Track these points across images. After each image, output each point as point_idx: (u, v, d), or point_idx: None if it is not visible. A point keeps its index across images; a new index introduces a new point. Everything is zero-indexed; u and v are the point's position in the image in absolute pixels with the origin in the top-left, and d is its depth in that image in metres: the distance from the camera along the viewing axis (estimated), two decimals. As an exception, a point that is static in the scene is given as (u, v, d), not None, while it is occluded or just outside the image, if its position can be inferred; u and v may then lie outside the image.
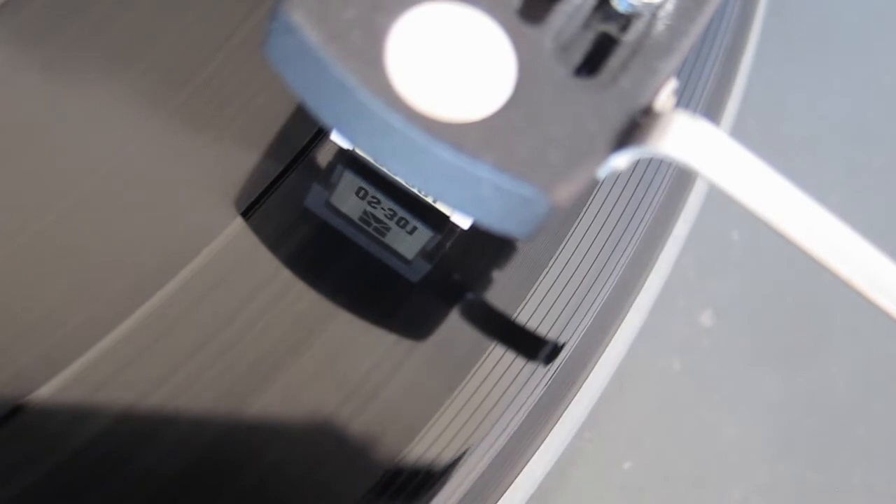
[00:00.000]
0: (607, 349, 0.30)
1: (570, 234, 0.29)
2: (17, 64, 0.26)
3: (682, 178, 0.32)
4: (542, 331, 0.28)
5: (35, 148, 0.26)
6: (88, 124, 0.26)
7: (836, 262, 0.18)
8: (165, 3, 0.28)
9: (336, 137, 0.26)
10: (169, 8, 0.28)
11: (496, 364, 0.27)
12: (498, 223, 0.19)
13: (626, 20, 0.21)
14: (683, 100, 0.33)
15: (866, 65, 0.47)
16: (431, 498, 0.26)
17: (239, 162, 0.27)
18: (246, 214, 0.27)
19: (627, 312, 0.31)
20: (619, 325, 0.31)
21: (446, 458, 0.26)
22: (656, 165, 0.31)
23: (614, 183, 0.30)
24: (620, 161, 0.19)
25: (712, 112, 0.35)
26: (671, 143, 0.19)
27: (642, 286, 0.31)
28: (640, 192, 0.31)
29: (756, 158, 0.19)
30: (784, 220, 0.18)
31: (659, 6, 0.20)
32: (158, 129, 0.27)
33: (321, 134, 0.27)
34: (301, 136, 0.28)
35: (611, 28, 0.21)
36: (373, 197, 0.27)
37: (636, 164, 0.31)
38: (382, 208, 0.27)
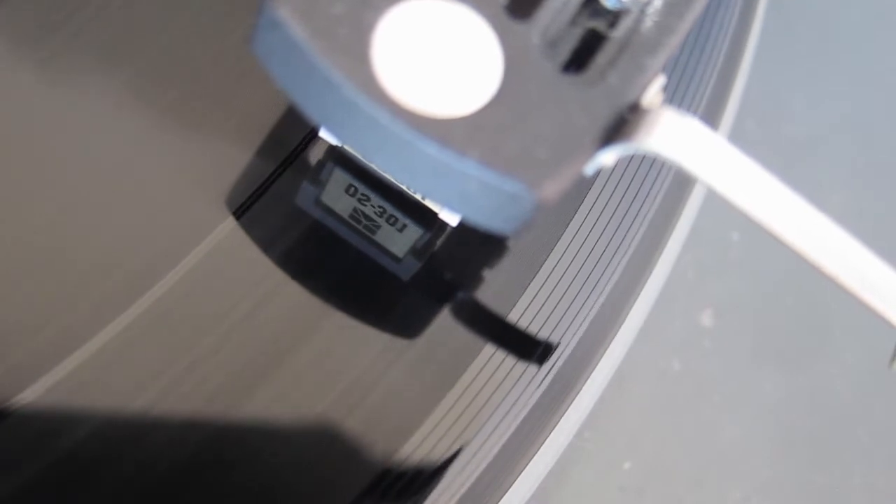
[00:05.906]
0: (607, 349, 0.30)
1: (566, 231, 0.29)
2: (12, 62, 0.26)
3: (683, 177, 0.32)
4: (538, 330, 0.28)
5: (26, 146, 0.26)
6: (80, 123, 0.26)
7: (820, 256, 0.18)
8: (160, 4, 0.28)
9: (325, 134, 0.26)
10: (163, 8, 0.28)
11: (489, 362, 0.27)
12: (484, 220, 0.19)
13: (614, 16, 0.21)
14: (683, 100, 0.33)
15: (866, 65, 0.47)
16: (426, 497, 0.26)
17: (231, 161, 0.27)
18: (238, 214, 0.27)
19: (627, 312, 0.31)
20: (619, 325, 0.30)
21: (442, 458, 0.26)
22: (657, 164, 0.31)
23: (608, 179, 0.30)
24: (608, 157, 0.19)
25: (712, 112, 0.34)
26: (658, 140, 0.19)
27: (642, 286, 0.31)
28: (640, 191, 0.31)
29: (743, 155, 0.19)
30: (769, 216, 0.18)
31: (647, 2, 0.20)
32: (151, 128, 0.27)
33: (313, 134, 0.27)
34: (293, 136, 0.28)
35: (599, 24, 0.21)
36: (363, 194, 0.27)
37: (636, 162, 0.31)
38: (372, 205, 0.27)
